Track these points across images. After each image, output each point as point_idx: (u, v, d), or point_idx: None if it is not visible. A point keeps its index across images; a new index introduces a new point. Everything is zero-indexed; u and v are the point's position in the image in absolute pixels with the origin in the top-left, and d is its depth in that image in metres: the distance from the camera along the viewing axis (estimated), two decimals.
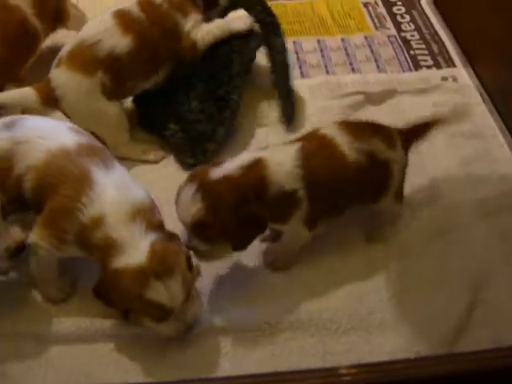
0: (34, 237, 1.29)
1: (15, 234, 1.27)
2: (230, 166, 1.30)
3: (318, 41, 2.19)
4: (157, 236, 1.24)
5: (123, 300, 1.22)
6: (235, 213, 1.24)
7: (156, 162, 1.73)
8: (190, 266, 1.27)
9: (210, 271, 1.43)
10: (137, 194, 1.29)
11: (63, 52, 1.65)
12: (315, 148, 1.36)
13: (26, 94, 1.64)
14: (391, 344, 1.33)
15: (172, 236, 1.28)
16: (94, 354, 1.33)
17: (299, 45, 2.15)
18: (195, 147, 1.70)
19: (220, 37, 1.74)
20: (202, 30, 1.73)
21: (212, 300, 1.40)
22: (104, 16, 1.67)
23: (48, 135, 1.34)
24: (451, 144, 1.77)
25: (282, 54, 1.84)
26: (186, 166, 1.70)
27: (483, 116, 1.88)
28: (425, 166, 1.70)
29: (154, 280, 1.19)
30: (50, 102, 1.64)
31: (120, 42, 1.63)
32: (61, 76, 1.63)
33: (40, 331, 1.36)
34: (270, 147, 1.39)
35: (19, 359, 1.32)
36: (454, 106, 1.85)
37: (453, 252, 1.49)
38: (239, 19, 1.79)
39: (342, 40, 2.20)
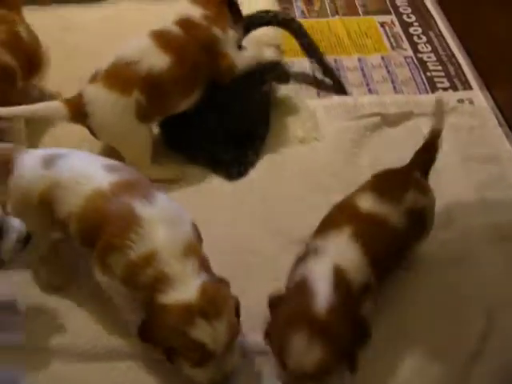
0: (97, 276, 1.32)
1: (19, 225, 1.26)
2: (322, 290, 1.20)
3: (335, 60, 2.20)
4: (208, 276, 1.24)
5: (168, 337, 1.19)
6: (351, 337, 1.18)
7: (176, 180, 1.74)
8: (237, 314, 1.26)
9: None
10: (186, 227, 1.30)
11: (100, 69, 1.65)
12: (364, 229, 1.31)
13: (54, 107, 1.64)
14: (405, 372, 1.33)
15: (222, 280, 1.28)
16: (110, 372, 1.34)
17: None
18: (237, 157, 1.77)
19: (253, 62, 1.77)
20: (239, 53, 1.75)
21: None
22: (142, 36, 1.67)
23: (84, 180, 1.32)
24: (466, 167, 1.78)
25: (305, 36, 2.05)
26: (233, 175, 1.75)
27: (499, 139, 1.89)
28: (440, 189, 1.69)
29: (201, 318, 1.17)
30: (79, 117, 1.63)
31: (159, 61, 1.63)
32: (96, 92, 1.62)
33: (55, 347, 1.37)
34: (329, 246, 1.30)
35: (33, 374, 1.33)
36: (469, 129, 1.86)
37: (467, 278, 1.50)
38: (270, 49, 1.85)
39: (359, 60, 2.21)
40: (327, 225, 1.37)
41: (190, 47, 1.68)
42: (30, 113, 1.64)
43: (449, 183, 1.73)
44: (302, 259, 1.30)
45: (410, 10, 2.48)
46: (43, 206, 1.35)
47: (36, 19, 2.19)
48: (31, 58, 1.85)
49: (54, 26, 2.29)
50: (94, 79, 1.64)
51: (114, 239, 1.25)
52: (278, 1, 2.47)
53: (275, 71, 1.88)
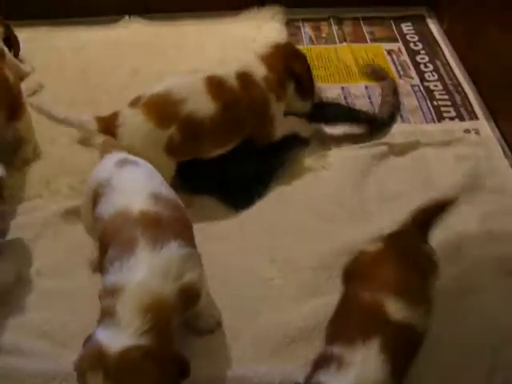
0: None
1: None
2: None
3: (342, 88, 2.21)
4: (143, 344, 1.09)
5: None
6: None
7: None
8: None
9: None
10: (173, 285, 1.19)
11: (145, 94, 1.64)
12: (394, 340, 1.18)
13: (86, 121, 1.65)
14: None
15: (177, 358, 1.15)
16: None
17: (323, 91, 2.17)
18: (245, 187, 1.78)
19: (290, 133, 1.82)
20: (282, 124, 1.78)
21: None
22: (197, 76, 1.67)
23: (126, 193, 1.32)
24: (472, 199, 1.78)
25: None
26: (240, 205, 1.76)
27: (505, 170, 1.89)
28: (447, 220, 1.70)
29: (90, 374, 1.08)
30: (109, 133, 1.63)
31: (204, 106, 1.64)
32: (133, 117, 1.62)
33: None
34: None
35: None
36: (476, 160, 1.87)
37: (473, 312, 1.49)
38: (306, 126, 1.88)
39: (366, 87, 2.22)
40: (351, 328, 1.20)
41: (240, 103, 1.68)
42: (64, 120, 1.67)
43: (455, 215, 1.72)
44: (321, 366, 1.17)
45: (416, 38, 2.50)
46: (92, 198, 1.38)
47: (49, 39, 2.25)
48: (14, 102, 1.85)
49: (66, 46, 2.33)
50: (134, 103, 1.64)
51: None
52: (286, 27, 2.49)
53: None
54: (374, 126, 1.94)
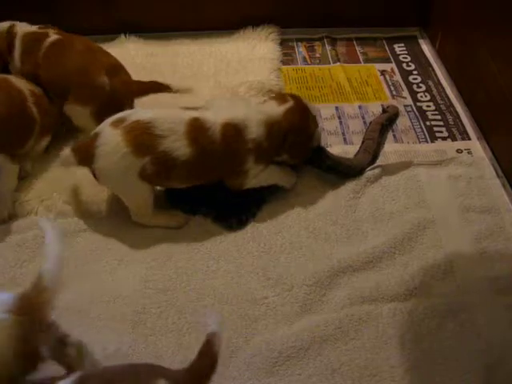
0: None
1: None
2: None
3: (336, 108, 2.24)
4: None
5: None
6: None
7: (179, 227, 1.76)
8: None
9: None
10: None
11: (128, 116, 1.64)
12: None
13: (65, 156, 1.67)
14: None
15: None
16: None
17: (318, 111, 2.18)
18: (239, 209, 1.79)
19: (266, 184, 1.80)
20: (256, 176, 1.76)
21: None
22: (180, 116, 1.65)
23: None
24: (464, 218, 1.80)
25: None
26: (232, 226, 1.77)
27: (497, 190, 1.91)
28: (439, 239, 1.73)
29: None
30: (86, 159, 1.65)
31: (181, 149, 1.63)
32: (112, 137, 1.61)
33: None
34: None
35: None
36: (468, 180, 1.89)
37: (465, 332, 1.51)
38: (288, 177, 1.85)
39: (360, 107, 2.25)
40: None
41: (218, 152, 1.67)
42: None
43: (447, 233, 1.75)
44: None
45: (409, 59, 2.53)
46: None
47: None
48: (47, 120, 1.92)
49: None
50: (117, 124, 1.63)
51: None
52: (280, 47, 2.52)
53: None
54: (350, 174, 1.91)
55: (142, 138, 1.61)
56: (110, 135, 1.62)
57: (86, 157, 1.65)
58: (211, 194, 1.79)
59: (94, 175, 1.69)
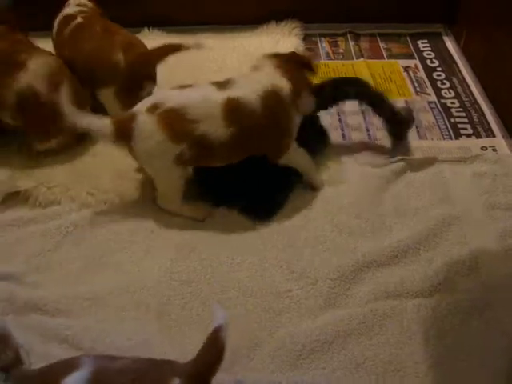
0: None
1: None
2: None
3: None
4: None
5: None
6: None
7: (202, 220, 1.76)
8: None
9: None
10: None
11: (165, 101, 1.63)
12: None
13: (103, 125, 1.63)
14: None
15: None
16: None
17: (341, 106, 2.18)
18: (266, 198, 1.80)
19: (298, 165, 1.80)
20: (296, 150, 1.76)
21: None
22: (214, 97, 1.64)
23: None
24: (489, 215, 1.79)
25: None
26: (261, 216, 1.77)
27: None
28: (465, 235, 1.72)
29: None
30: (123, 137, 1.64)
31: (219, 131, 1.62)
32: (148, 124, 1.61)
33: None
34: None
35: None
36: (493, 177, 1.88)
37: (489, 329, 1.50)
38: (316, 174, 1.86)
39: None
40: None
41: (260, 126, 1.66)
42: (82, 124, 1.65)
43: (472, 230, 1.74)
44: None
45: (433, 55, 2.52)
46: None
47: None
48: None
49: None
50: (152, 110, 1.62)
51: None
52: (303, 42, 2.52)
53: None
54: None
55: (177, 126, 1.61)
56: (145, 121, 1.62)
57: (122, 135, 1.64)
58: (240, 183, 1.79)
59: (131, 153, 1.69)
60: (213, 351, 1.18)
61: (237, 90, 1.66)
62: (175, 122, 1.61)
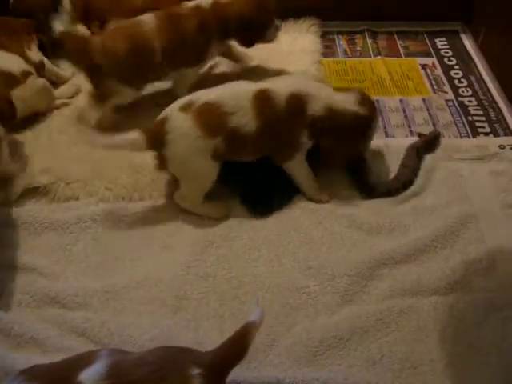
0: None
1: None
2: None
3: (377, 101, 2.22)
4: None
5: None
6: None
7: (220, 219, 1.76)
8: None
9: None
10: None
11: (196, 99, 1.66)
12: None
13: (135, 140, 1.65)
14: None
15: None
16: None
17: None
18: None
19: (299, 180, 1.81)
20: (300, 159, 1.78)
21: None
22: (246, 89, 1.69)
23: None
24: (507, 214, 1.78)
25: None
26: (258, 211, 1.78)
27: None
28: (482, 233, 1.72)
29: None
30: (156, 144, 1.66)
31: (250, 123, 1.66)
32: (183, 123, 1.64)
33: None
34: None
35: None
36: (511, 176, 1.87)
37: (507, 328, 1.49)
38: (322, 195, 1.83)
39: (401, 101, 2.24)
40: None
41: (285, 122, 1.70)
42: (114, 144, 1.68)
43: (490, 229, 1.74)
44: None
45: (450, 53, 2.51)
46: None
47: None
48: None
49: None
50: (186, 108, 1.65)
51: None
52: (321, 39, 2.51)
53: None
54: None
55: (212, 119, 1.64)
56: (180, 120, 1.64)
57: (155, 142, 1.66)
58: (248, 172, 1.81)
59: (160, 160, 1.69)
60: (238, 346, 1.19)
61: (268, 83, 1.72)
62: (210, 116, 1.64)
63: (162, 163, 1.69)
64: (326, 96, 1.73)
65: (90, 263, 1.66)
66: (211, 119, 1.64)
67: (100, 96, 1.98)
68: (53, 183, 1.87)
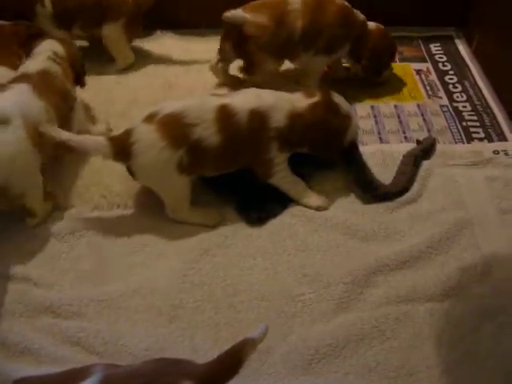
0: None
1: None
2: None
3: (372, 106, 2.22)
4: None
5: None
6: None
7: (214, 226, 1.76)
8: None
9: None
10: None
11: (160, 110, 1.66)
12: None
13: (98, 143, 1.65)
14: None
15: None
16: None
17: (353, 110, 2.17)
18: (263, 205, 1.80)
19: (288, 192, 1.80)
20: (285, 173, 1.78)
21: None
22: (210, 103, 1.68)
23: None
24: (502, 220, 1.78)
25: None
26: (252, 220, 1.77)
27: None
28: (477, 239, 1.72)
29: None
30: (122, 155, 1.65)
31: (211, 137, 1.65)
32: (147, 134, 1.63)
33: None
34: None
35: None
36: (505, 181, 1.87)
37: (503, 334, 1.49)
38: (318, 198, 1.82)
39: (395, 106, 2.24)
40: None
41: (244, 139, 1.70)
42: (75, 143, 1.64)
43: (485, 235, 1.74)
44: None
45: (445, 59, 2.51)
46: None
47: None
48: None
49: None
50: (150, 119, 1.65)
51: None
52: None
53: None
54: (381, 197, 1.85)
55: (176, 130, 1.63)
56: (144, 131, 1.64)
57: (121, 153, 1.65)
58: (242, 180, 1.80)
59: (130, 171, 1.70)
60: (232, 360, 1.17)
61: (230, 98, 1.71)
62: (174, 127, 1.64)
63: (132, 174, 1.70)
64: (286, 104, 1.73)
65: (85, 272, 1.65)
66: (175, 130, 1.63)
67: (247, 68, 2.10)
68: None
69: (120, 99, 2.19)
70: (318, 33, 2.07)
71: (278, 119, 1.71)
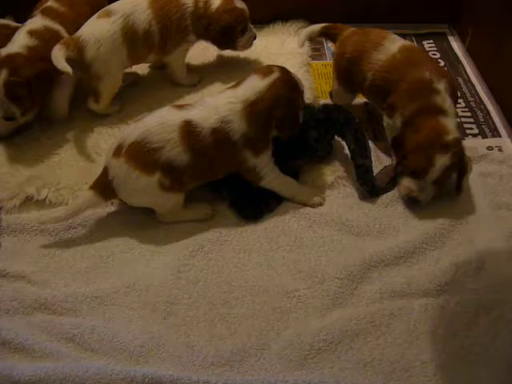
0: None
1: None
2: None
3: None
4: None
5: None
6: None
7: (206, 219, 1.76)
8: None
9: None
10: None
11: (123, 141, 1.66)
12: None
13: (86, 199, 1.70)
14: None
15: None
16: None
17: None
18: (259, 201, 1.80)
19: (281, 192, 1.79)
20: (273, 175, 1.76)
21: None
22: (172, 121, 1.66)
23: None
24: (496, 215, 1.78)
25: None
26: (248, 216, 1.78)
27: None
28: (471, 235, 1.72)
29: None
30: (109, 194, 1.69)
31: (180, 156, 1.64)
32: (119, 168, 1.65)
33: None
34: None
35: None
36: (499, 177, 1.88)
37: (497, 329, 1.50)
38: (312, 195, 1.82)
39: None
40: None
41: (212, 152, 1.68)
42: (73, 213, 1.71)
43: (479, 230, 1.74)
44: None
45: (438, 55, 2.52)
46: None
47: None
48: None
49: None
50: (117, 153, 1.66)
51: None
52: (309, 42, 2.51)
53: None
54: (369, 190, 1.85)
55: (144, 157, 1.63)
56: (117, 166, 1.66)
57: (107, 192, 1.69)
58: (236, 177, 1.78)
59: (122, 203, 1.75)
60: None
61: (191, 112, 1.69)
62: (140, 153, 1.64)
63: (126, 204, 1.74)
64: (238, 105, 1.69)
65: (80, 269, 1.65)
66: (143, 157, 1.63)
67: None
68: (41, 189, 1.85)
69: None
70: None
71: (238, 127, 1.68)
